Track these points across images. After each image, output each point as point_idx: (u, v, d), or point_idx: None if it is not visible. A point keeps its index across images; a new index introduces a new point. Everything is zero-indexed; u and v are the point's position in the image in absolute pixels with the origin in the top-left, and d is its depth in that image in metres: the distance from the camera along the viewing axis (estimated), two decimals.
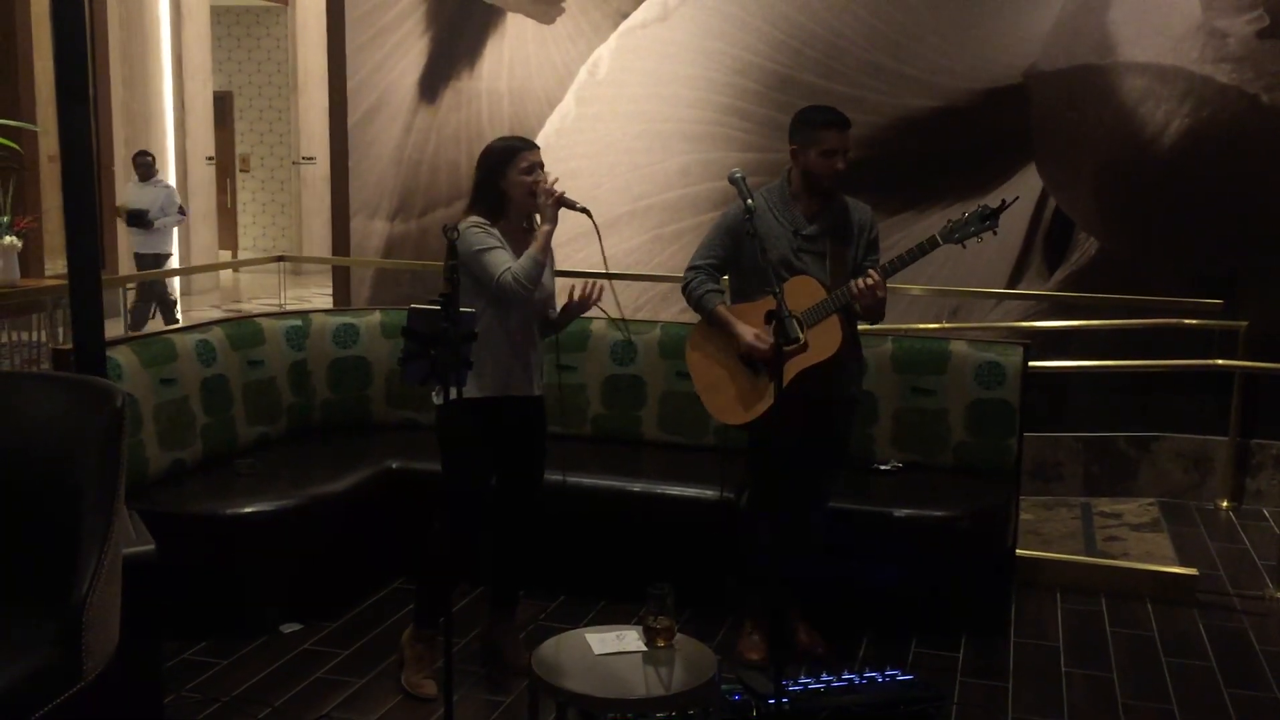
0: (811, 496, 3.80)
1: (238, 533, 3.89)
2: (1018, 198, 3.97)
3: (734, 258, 3.71)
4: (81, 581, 2.47)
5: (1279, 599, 4.42)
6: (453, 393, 2.94)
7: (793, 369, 3.50)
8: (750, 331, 3.59)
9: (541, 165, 3.54)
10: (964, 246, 3.58)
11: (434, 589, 3.57)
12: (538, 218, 3.49)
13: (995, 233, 3.53)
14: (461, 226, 3.41)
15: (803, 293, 3.53)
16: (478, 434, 3.50)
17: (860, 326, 3.76)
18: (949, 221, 3.54)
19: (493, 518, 3.63)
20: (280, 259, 7.99)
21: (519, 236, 3.51)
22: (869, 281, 3.47)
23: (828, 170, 3.57)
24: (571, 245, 6.55)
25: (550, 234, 3.45)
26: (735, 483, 3.99)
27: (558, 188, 3.44)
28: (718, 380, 3.71)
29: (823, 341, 3.53)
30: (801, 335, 3.29)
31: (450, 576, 3.50)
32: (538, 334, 3.62)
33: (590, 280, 3.52)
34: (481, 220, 3.49)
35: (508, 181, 3.50)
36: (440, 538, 3.53)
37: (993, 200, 3.54)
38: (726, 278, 3.79)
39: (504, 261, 3.41)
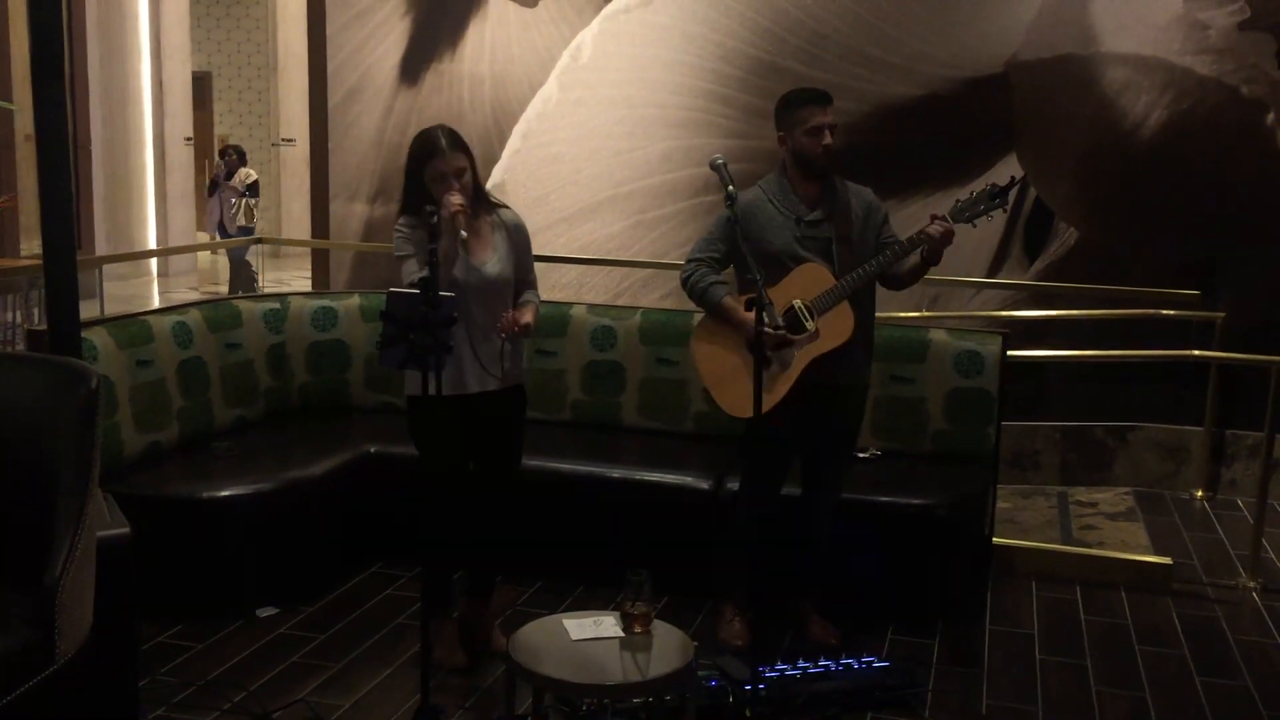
0: (821, 487, 3.79)
1: (214, 516, 3.87)
2: (1025, 176, 3.93)
3: (737, 251, 3.66)
4: (55, 564, 2.45)
5: (1252, 588, 4.45)
6: (418, 386, 2.90)
7: (804, 357, 3.49)
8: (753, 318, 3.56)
9: (459, 172, 3.33)
10: (974, 225, 3.56)
11: (437, 577, 3.53)
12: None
13: (1006, 210, 3.52)
14: (395, 227, 3.39)
15: (811, 280, 3.50)
16: (440, 427, 3.39)
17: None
18: (957, 201, 3.54)
19: (468, 506, 3.58)
20: (259, 241, 7.99)
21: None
22: (943, 227, 3.42)
23: (817, 148, 3.54)
24: (552, 231, 6.55)
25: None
26: (717, 469, 3.98)
27: (455, 202, 3.24)
28: (727, 374, 3.63)
29: (835, 328, 3.51)
30: (812, 324, 3.26)
31: (451, 563, 3.51)
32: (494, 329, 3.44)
33: (508, 313, 3.38)
34: (412, 221, 3.38)
35: (428, 183, 3.38)
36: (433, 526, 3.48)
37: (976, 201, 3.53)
38: (731, 269, 3.73)
39: (412, 272, 3.30)
